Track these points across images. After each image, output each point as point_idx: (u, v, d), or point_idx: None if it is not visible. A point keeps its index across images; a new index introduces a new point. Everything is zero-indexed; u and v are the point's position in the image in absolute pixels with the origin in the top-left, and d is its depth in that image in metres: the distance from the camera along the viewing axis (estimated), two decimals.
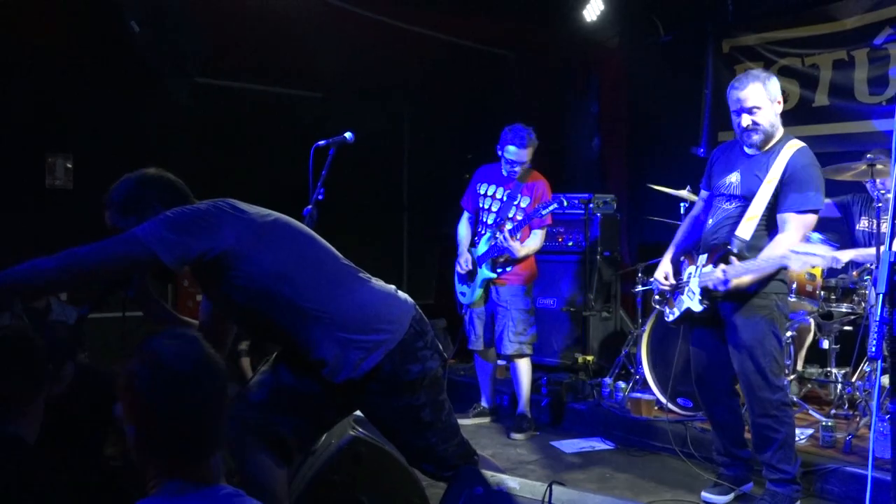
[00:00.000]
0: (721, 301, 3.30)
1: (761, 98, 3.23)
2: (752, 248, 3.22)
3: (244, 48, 5.38)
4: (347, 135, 3.36)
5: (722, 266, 3.18)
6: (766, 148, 3.30)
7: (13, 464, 1.71)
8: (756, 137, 3.28)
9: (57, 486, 1.80)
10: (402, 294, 2.41)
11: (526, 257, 4.64)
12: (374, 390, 2.28)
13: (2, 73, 4.83)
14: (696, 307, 3.34)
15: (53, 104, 5.06)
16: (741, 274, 3.14)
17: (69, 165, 5.34)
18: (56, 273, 2.07)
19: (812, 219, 3.18)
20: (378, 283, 2.41)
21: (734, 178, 3.37)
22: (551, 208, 4.49)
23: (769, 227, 3.26)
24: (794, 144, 3.26)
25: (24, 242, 4.71)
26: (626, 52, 6.47)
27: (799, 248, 2.97)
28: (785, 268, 3.19)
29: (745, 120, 3.26)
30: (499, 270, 4.64)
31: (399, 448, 2.48)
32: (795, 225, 3.15)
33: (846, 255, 4.17)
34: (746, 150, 3.36)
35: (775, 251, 3.11)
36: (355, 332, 2.23)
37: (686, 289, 3.42)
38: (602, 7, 5.92)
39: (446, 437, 2.41)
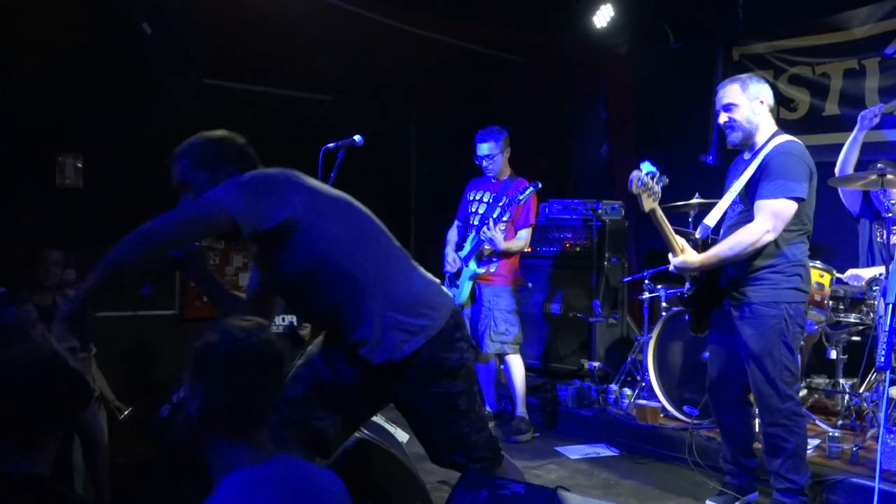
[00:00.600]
0: (733, 308, 3.30)
1: (737, 95, 3.29)
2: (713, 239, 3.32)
3: (252, 50, 5.40)
4: (357, 137, 3.37)
5: (680, 257, 3.28)
6: (756, 148, 3.31)
7: None
8: (735, 135, 3.33)
9: None
10: (443, 287, 2.49)
11: (509, 252, 4.68)
12: (411, 376, 2.30)
13: (12, 73, 4.86)
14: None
15: (63, 104, 5.07)
16: (695, 261, 3.26)
17: (79, 165, 5.36)
18: (140, 242, 2.15)
19: (784, 205, 3.13)
20: (425, 272, 2.47)
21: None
22: (528, 192, 4.57)
23: (743, 217, 3.28)
24: (779, 139, 3.27)
25: (34, 241, 4.75)
26: (635, 59, 6.46)
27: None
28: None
29: (722, 117, 3.34)
30: (482, 268, 4.69)
31: (431, 439, 2.43)
32: (764, 212, 3.15)
33: (869, 273, 4.18)
34: (744, 156, 3.39)
35: (737, 238, 3.17)
36: (402, 313, 2.28)
37: None
38: (612, 13, 5.92)
39: (479, 427, 2.43)
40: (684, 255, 3.27)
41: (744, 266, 3.25)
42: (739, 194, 3.32)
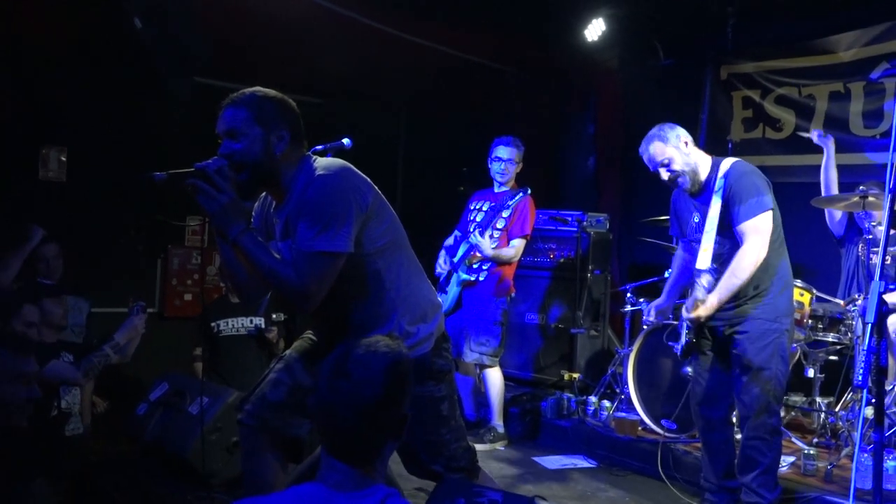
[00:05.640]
0: (731, 326, 3.32)
1: (665, 151, 3.35)
2: (717, 270, 3.28)
3: (245, 50, 5.38)
4: (345, 141, 3.36)
5: (694, 311, 3.25)
6: (703, 182, 3.36)
7: None
8: (685, 182, 3.37)
9: None
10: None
11: (499, 260, 4.65)
12: None
13: None
14: (687, 337, 3.38)
15: (48, 96, 5.04)
16: (713, 303, 3.22)
17: (63, 158, 5.32)
18: None
19: (763, 220, 3.20)
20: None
21: (696, 218, 3.44)
22: (518, 198, 4.59)
23: (730, 246, 3.29)
24: (725, 165, 3.32)
25: (16, 233, 4.69)
26: (625, 74, 6.51)
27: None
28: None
29: (664, 174, 3.38)
30: (470, 276, 4.69)
31: (411, 445, 2.41)
32: (750, 232, 3.21)
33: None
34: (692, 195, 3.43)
35: (740, 264, 3.18)
36: (420, 321, 2.34)
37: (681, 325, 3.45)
38: (604, 28, 5.96)
39: (458, 436, 2.45)
40: (697, 310, 3.24)
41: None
42: (717, 231, 3.31)
